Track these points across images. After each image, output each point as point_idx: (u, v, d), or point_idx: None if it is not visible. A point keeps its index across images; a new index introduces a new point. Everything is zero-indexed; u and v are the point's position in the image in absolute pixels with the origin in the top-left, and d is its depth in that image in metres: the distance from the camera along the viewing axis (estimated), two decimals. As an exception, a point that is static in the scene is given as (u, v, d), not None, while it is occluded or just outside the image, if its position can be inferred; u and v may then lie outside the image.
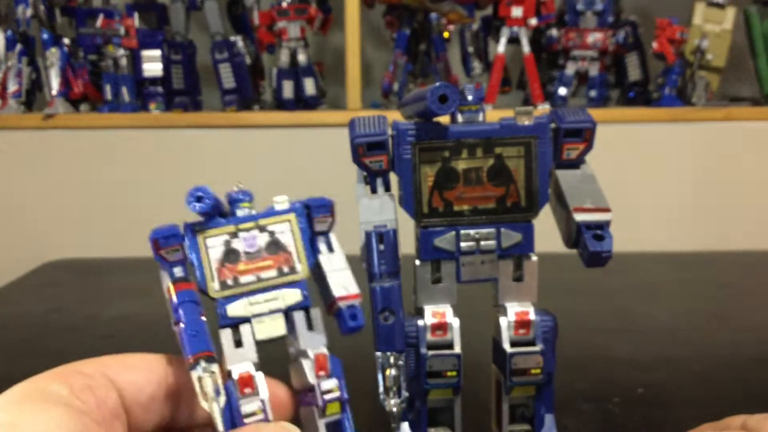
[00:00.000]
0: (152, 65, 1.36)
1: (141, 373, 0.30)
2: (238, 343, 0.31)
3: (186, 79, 1.39)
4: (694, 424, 0.34)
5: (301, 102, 1.37)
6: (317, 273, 0.32)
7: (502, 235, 0.33)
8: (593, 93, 1.37)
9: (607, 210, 0.33)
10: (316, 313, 0.32)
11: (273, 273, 0.31)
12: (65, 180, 1.36)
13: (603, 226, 0.32)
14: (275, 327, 0.31)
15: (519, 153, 0.33)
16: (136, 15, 1.35)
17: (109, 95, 1.36)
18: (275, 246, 0.32)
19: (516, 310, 0.34)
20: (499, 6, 1.35)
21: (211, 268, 0.31)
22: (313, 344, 0.31)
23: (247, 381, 0.29)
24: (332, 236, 0.33)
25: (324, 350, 0.31)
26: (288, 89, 1.35)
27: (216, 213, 0.31)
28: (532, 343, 0.34)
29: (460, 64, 1.45)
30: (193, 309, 0.30)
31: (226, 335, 0.31)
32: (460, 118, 0.33)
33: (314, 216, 0.32)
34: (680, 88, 1.37)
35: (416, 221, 0.34)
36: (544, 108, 1.32)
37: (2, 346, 0.70)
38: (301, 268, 0.32)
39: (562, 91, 1.37)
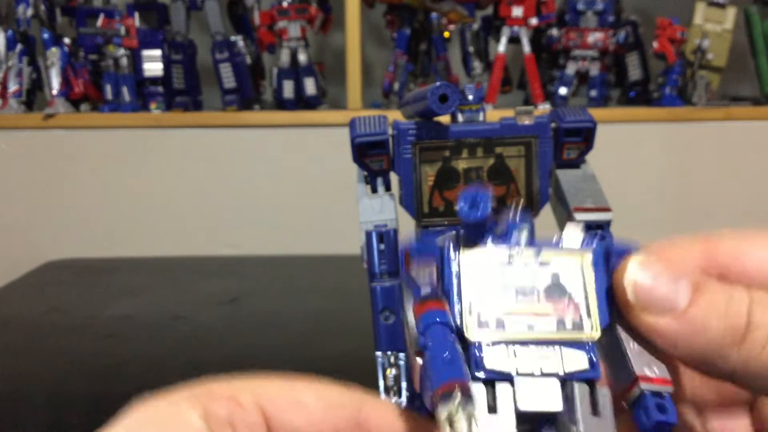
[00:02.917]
0: (153, 65, 1.36)
1: (314, 420, 0.23)
2: (492, 409, 0.22)
3: (186, 78, 1.39)
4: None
5: (302, 102, 1.37)
6: (608, 342, 0.24)
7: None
8: (594, 93, 1.37)
9: (607, 209, 0.33)
10: (605, 393, 0.23)
11: (551, 324, 0.23)
12: (65, 180, 1.36)
13: (603, 225, 0.32)
14: (548, 397, 0.22)
15: (519, 152, 0.33)
16: (136, 15, 1.35)
17: (109, 95, 1.36)
18: (558, 290, 0.24)
19: None
20: (500, 6, 1.35)
21: (472, 300, 0.24)
22: None
23: None
24: None
25: None
26: (288, 89, 1.35)
27: (485, 229, 0.25)
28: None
29: (461, 64, 1.45)
30: (444, 332, 0.22)
31: (477, 392, 0.22)
32: (460, 117, 0.33)
33: (615, 267, 0.25)
34: (681, 87, 1.37)
35: (417, 221, 0.34)
36: (544, 108, 1.32)
37: (2, 346, 0.70)
38: (591, 327, 0.23)
39: (563, 90, 1.37)
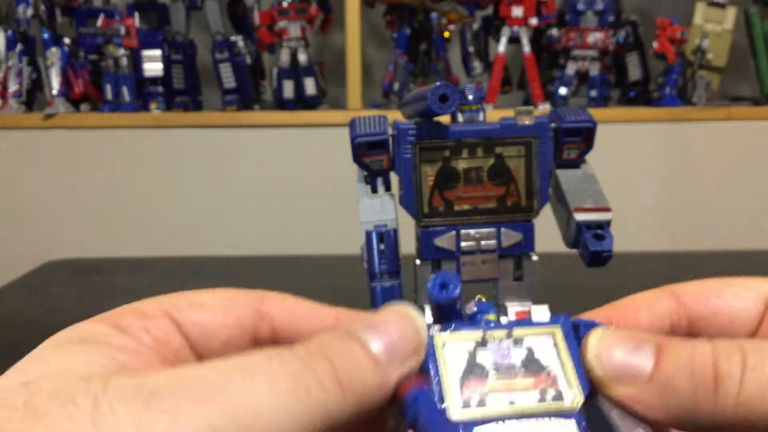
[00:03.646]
0: (153, 65, 1.36)
1: (214, 313, 0.25)
2: None
3: (186, 78, 1.40)
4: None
5: (302, 102, 1.37)
6: (592, 411, 0.24)
7: (502, 234, 0.33)
8: (594, 93, 1.37)
9: (607, 209, 0.33)
10: None
11: (533, 397, 0.23)
12: (65, 180, 1.36)
13: (603, 225, 0.32)
14: None
15: (519, 152, 0.33)
16: (136, 15, 1.35)
17: (109, 95, 1.36)
18: (535, 365, 0.24)
19: (516, 309, 0.34)
20: (500, 6, 1.35)
21: (452, 381, 0.24)
22: None
23: None
24: None
25: None
26: (288, 89, 1.35)
27: (455, 309, 0.25)
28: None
29: (461, 64, 1.45)
30: (433, 406, 0.23)
31: None
32: (460, 117, 0.33)
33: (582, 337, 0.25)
34: (681, 87, 1.37)
35: (417, 221, 0.34)
36: (544, 108, 1.32)
37: (2, 346, 0.70)
38: (573, 397, 0.23)
39: (563, 90, 1.37)
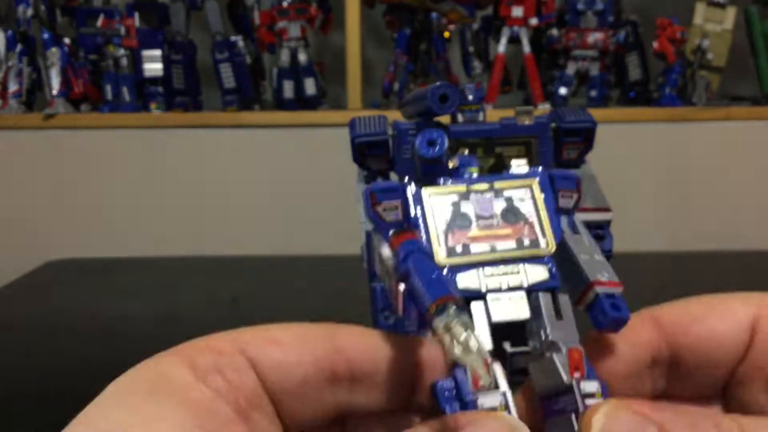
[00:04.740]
0: (153, 65, 1.36)
1: (290, 351, 0.24)
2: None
3: (186, 78, 1.39)
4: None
5: (302, 102, 1.37)
6: (561, 255, 0.26)
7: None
8: (593, 93, 1.37)
9: (607, 209, 0.33)
10: (566, 299, 0.26)
11: (511, 244, 0.26)
12: (65, 180, 1.36)
13: (603, 225, 0.32)
14: (517, 308, 0.25)
15: (519, 152, 0.33)
16: (136, 15, 1.35)
17: (109, 95, 1.36)
18: (513, 214, 0.26)
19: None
20: (500, 6, 1.35)
21: (438, 230, 0.26)
22: (565, 337, 0.25)
23: (474, 378, 0.23)
24: (576, 219, 0.28)
25: (579, 346, 0.24)
26: (288, 89, 1.35)
27: (441, 165, 0.27)
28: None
29: (461, 64, 1.45)
30: (425, 257, 0.24)
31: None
32: (460, 117, 0.33)
33: (558, 188, 0.27)
34: (681, 87, 1.37)
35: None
36: (544, 108, 1.32)
37: (2, 346, 0.70)
38: (547, 242, 0.26)
39: (563, 90, 1.37)
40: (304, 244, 1.30)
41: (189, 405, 0.21)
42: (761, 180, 1.35)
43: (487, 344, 0.24)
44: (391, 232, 0.26)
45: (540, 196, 0.27)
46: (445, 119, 0.32)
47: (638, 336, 0.26)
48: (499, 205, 0.27)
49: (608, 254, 0.32)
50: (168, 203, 1.35)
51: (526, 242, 0.26)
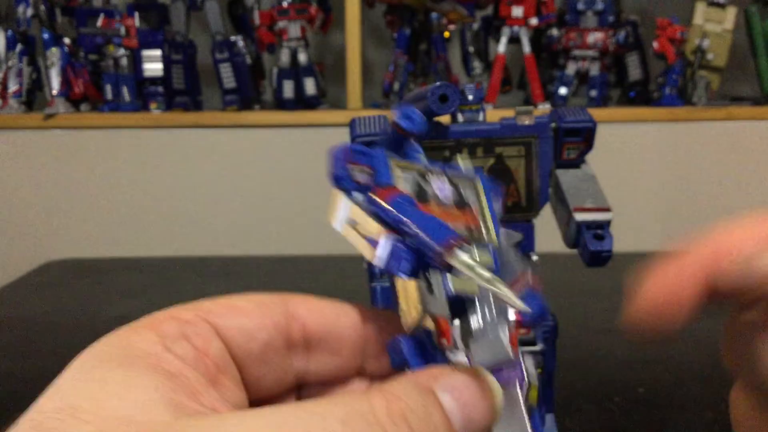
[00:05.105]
0: (153, 65, 1.36)
1: (252, 317, 0.25)
2: (430, 290, 0.25)
3: (186, 78, 1.39)
4: (694, 424, 0.34)
5: (302, 102, 1.37)
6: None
7: (501, 234, 0.33)
8: (593, 93, 1.37)
9: (607, 210, 0.33)
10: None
11: (462, 228, 0.26)
12: (65, 180, 1.36)
13: (603, 225, 0.32)
14: (471, 283, 0.25)
15: (519, 153, 0.33)
16: (136, 15, 1.35)
17: (109, 95, 1.36)
18: (462, 202, 0.27)
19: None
20: (500, 5, 1.35)
21: None
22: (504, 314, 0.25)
23: (446, 331, 0.24)
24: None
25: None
26: (288, 89, 1.35)
27: (412, 145, 0.28)
28: (532, 343, 0.34)
29: (461, 64, 1.45)
30: (414, 206, 0.25)
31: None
32: (460, 117, 0.33)
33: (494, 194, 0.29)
34: (681, 87, 1.36)
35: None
36: (544, 108, 1.32)
37: (2, 346, 0.70)
38: (490, 238, 0.27)
39: (563, 90, 1.37)
40: (304, 244, 1.30)
41: (160, 372, 0.21)
42: (761, 180, 1.35)
43: (445, 310, 0.24)
44: (373, 187, 0.26)
45: (483, 197, 0.28)
46: (445, 119, 0.32)
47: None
48: (450, 191, 0.27)
49: (608, 254, 0.32)
50: (168, 203, 1.35)
51: (473, 228, 0.27)
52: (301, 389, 0.27)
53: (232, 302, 0.25)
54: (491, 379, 0.23)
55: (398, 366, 0.24)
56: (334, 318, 0.26)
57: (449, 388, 0.22)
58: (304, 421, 0.19)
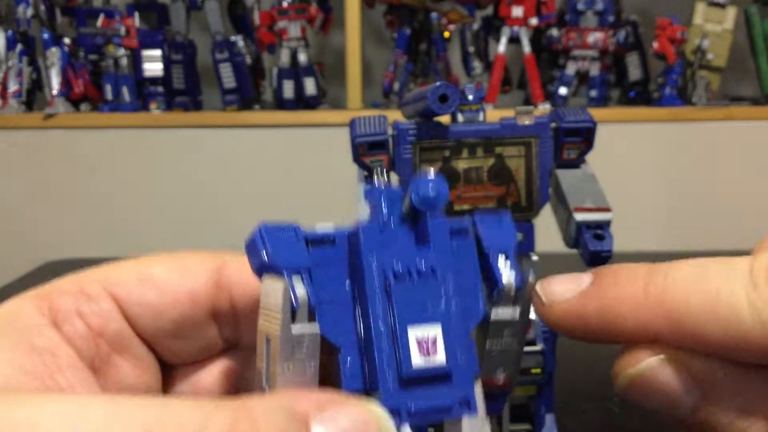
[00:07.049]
0: (152, 65, 1.36)
1: (165, 289, 0.23)
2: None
3: (186, 78, 1.39)
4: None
5: (302, 102, 1.37)
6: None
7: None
8: (594, 93, 1.37)
9: (607, 210, 0.33)
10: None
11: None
12: (65, 180, 1.36)
13: (603, 225, 0.32)
14: None
15: (519, 153, 0.33)
16: (136, 15, 1.35)
17: (109, 95, 1.36)
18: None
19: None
20: (500, 6, 1.35)
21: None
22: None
23: None
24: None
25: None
26: (288, 89, 1.35)
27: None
28: (532, 343, 0.34)
29: (461, 64, 1.45)
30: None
31: None
32: (460, 117, 0.33)
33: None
34: (681, 87, 1.37)
35: (417, 221, 0.34)
36: (544, 108, 1.32)
37: (2, 346, 0.70)
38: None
39: (563, 90, 1.37)
40: (304, 244, 1.30)
41: (25, 347, 0.20)
42: (761, 180, 1.35)
43: None
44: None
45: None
46: (445, 119, 0.32)
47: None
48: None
49: (608, 254, 0.32)
50: (168, 203, 1.35)
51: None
52: (239, 349, 0.25)
53: (148, 271, 0.24)
54: (384, 414, 0.19)
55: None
56: None
57: (331, 423, 0.18)
58: (106, 416, 0.16)
